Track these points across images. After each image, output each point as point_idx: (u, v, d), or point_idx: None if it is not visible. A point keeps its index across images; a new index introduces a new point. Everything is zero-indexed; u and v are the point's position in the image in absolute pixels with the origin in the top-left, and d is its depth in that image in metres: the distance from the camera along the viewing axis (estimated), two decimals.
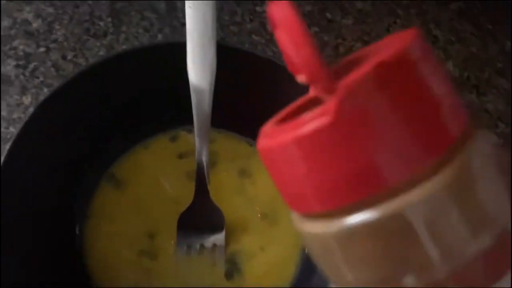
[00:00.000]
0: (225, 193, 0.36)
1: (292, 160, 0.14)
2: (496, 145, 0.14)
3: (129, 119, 0.36)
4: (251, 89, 0.36)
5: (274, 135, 0.15)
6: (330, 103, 0.13)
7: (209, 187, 0.34)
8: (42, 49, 0.42)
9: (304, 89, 0.34)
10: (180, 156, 0.38)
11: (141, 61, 0.34)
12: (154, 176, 0.37)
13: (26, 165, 0.31)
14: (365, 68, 0.13)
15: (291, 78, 0.34)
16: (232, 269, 0.34)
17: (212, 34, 0.29)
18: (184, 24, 0.42)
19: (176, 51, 0.30)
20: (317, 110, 0.13)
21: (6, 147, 0.29)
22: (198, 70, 0.30)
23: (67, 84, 0.32)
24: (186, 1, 0.29)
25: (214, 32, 0.30)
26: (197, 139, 0.32)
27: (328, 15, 0.48)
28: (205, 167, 0.33)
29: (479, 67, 0.47)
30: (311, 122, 0.13)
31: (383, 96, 0.13)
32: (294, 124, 0.14)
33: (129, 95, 0.35)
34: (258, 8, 0.47)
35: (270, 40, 0.46)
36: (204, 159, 0.33)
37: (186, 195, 0.35)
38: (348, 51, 0.46)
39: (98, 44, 0.43)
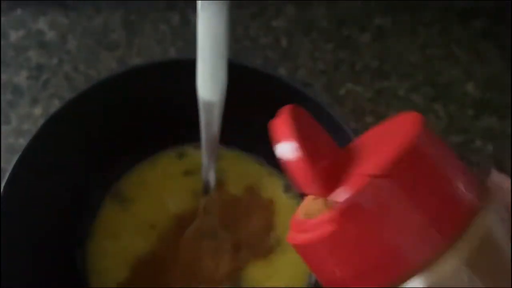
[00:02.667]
0: (233, 214, 0.35)
1: (314, 256, 0.15)
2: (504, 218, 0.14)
3: (136, 135, 0.36)
4: (263, 108, 0.35)
5: (296, 231, 0.16)
6: (333, 213, 0.14)
7: (215, 207, 0.33)
8: (55, 61, 0.42)
9: (316, 111, 0.33)
10: (186, 174, 0.37)
11: (151, 77, 0.33)
12: (160, 193, 0.36)
13: (32, 179, 0.30)
14: (361, 179, 0.14)
15: (303, 99, 0.33)
16: None
17: (224, 51, 0.29)
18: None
19: (187, 68, 0.30)
20: (322, 216, 0.14)
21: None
22: (208, 87, 0.29)
23: (77, 99, 0.31)
24: (198, 16, 0.28)
25: (226, 49, 0.29)
26: (204, 157, 0.31)
27: (345, 31, 0.47)
28: (211, 186, 0.32)
29: (502, 89, 0.45)
30: (317, 229, 0.14)
31: (380, 205, 0.13)
32: (307, 226, 0.15)
33: (138, 110, 0.35)
34: (273, 23, 0.47)
35: (284, 56, 0.45)
36: (211, 177, 0.32)
37: (191, 214, 0.34)
38: (364, 69, 0.45)
39: (110, 56, 0.43)
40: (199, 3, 0.28)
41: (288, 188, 0.36)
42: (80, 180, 0.33)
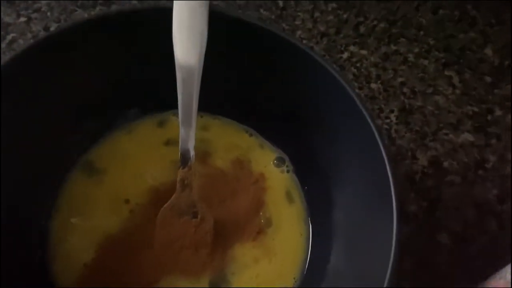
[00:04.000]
0: (218, 190, 0.31)
1: None
2: None
3: (111, 100, 0.31)
4: (256, 70, 0.30)
5: None
6: None
7: (194, 181, 0.28)
8: (22, 19, 0.38)
9: (319, 73, 0.28)
10: (167, 143, 0.33)
11: (126, 28, 0.29)
12: (136, 164, 0.32)
13: None
14: None
15: (303, 58, 0.28)
16: (219, 280, 0.28)
17: None
18: None
19: (168, 19, 0.25)
20: None
21: None
22: (185, 40, 0.25)
23: (42, 43, 0.26)
24: None
25: None
26: (182, 125, 0.27)
27: None
28: (190, 156, 0.28)
29: None
30: None
31: None
32: None
33: (113, 70, 0.30)
34: None
35: (281, 15, 0.40)
36: (190, 147, 0.28)
37: (170, 188, 0.30)
38: (369, 32, 0.40)
39: (85, 15, 0.38)
40: None
41: (280, 161, 0.32)
42: (45, 147, 0.29)
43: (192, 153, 0.28)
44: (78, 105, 0.30)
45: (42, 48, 0.26)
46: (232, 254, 0.29)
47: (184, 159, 0.28)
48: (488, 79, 0.39)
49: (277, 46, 0.28)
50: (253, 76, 0.31)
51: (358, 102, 0.26)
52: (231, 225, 0.30)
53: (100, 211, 0.30)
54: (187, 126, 0.27)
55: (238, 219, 0.30)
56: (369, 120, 0.26)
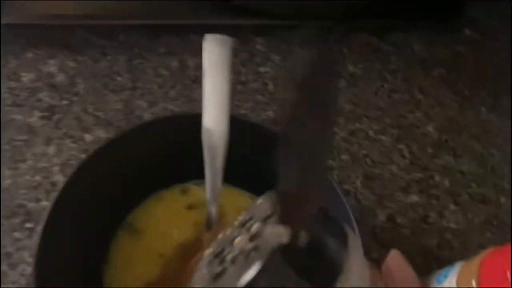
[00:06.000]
0: None
1: None
2: None
3: (147, 174, 0.41)
4: (254, 151, 0.41)
5: None
6: None
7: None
8: (65, 102, 0.47)
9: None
10: (189, 207, 0.42)
11: (159, 129, 0.39)
12: (166, 225, 0.41)
13: (66, 217, 0.35)
14: None
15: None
16: None
17: (227, 102, 0.35)
18: (194, 81, 0.47)
19: (190, 120, 0.36)
20: None
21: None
22: (214, 132, 0.35)
23: (103, 149, 0.36)
24: (203, 80, 0.34)
25: (229, 101, 0.35)
26: (208, 195, 0.37)
27: None
28: (213, 220, 0.37)
29: (457, 131, 0.53)
30: None
31: None
32: None
33: (151, 155, 0.40)
34: (261, 69, 0.53)
35: (271, 99, 0.51)
36: (213, 212, 0.37)
37: (194, 244, 0.39)
38: (340, 112, 0.51)
39: (116, 98, 0.48)
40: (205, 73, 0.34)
41: None
42: (100, 215, 0.38)
43: (215, 216, 0.37)
44: (128, 182, 0.39)
45: (109, 145, 0.36)
46: None
47: (209, 224, 0.37)
48: (430, 150, 0.51)
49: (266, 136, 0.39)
50: (253, 156, 0.41)
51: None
52: None
53: (141, 263, 0.39)
54: (213, 197, 0.37)
55: None
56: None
